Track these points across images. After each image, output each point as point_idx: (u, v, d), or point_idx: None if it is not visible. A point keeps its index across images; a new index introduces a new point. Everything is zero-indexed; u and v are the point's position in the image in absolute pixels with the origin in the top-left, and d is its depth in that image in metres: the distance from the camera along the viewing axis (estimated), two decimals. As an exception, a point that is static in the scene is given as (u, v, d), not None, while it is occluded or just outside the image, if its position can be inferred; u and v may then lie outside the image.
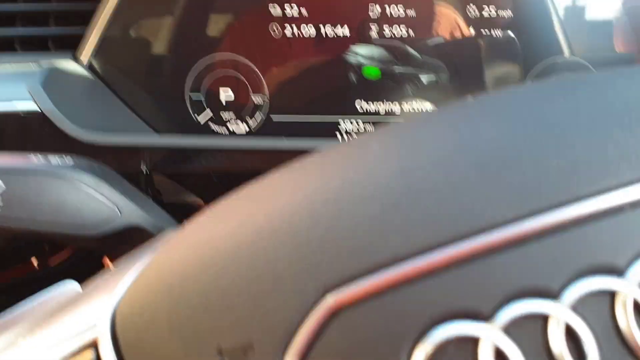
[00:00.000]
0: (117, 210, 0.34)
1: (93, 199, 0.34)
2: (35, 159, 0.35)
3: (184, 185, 0.49)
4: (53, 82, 0.46)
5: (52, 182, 0.33)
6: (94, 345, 0.22)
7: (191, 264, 0.20)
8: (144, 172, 0.46)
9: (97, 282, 0.26)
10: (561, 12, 0.51)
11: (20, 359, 0.22)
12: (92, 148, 0.45)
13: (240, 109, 0.54)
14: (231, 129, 0.54)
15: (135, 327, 0.21)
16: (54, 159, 0.35)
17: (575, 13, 0.51)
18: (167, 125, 0.53)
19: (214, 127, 0.54)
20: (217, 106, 0.54)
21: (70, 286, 0.29)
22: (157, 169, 0.47)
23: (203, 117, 0.54)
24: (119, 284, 0.23)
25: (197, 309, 0.19)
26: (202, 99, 0.53)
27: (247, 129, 0.54)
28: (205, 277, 0.19)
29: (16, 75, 0.47)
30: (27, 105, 0.45)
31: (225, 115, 0.54)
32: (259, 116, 0.54)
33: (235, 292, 0.18)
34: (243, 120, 0.54)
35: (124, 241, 0.34)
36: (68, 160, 0.35)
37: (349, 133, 0.54)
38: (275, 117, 0.54)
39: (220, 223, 0.22)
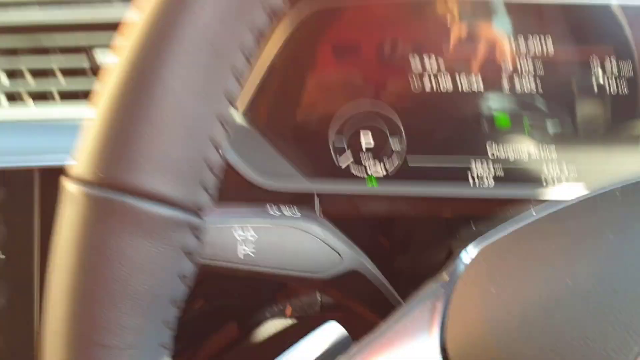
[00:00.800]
0: (339, 256, 0.38)
1: (322, 246, 0.38)
2: (271, 211, 0.40)
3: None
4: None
5: (291, 231, 0.38)
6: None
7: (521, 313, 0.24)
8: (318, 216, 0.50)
9: (394, 324, 0.30)
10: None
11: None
12: (266, 193, 0.50)
13: (379, 152, 0.58)
14: (369, 172, 0.58)
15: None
16: (286, 210, 0.40)
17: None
18: (311, 170, 0.58)
19: (354, 170, 0.58)
20: (357, 150, 0.58)
21: (335, 328, 0.33)
22: (327, 213, 0.52)
23: (344, 161, 0.58)
24: (434, 324, 0.27)
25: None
26: (344, 144, 0.58)
27: (385, 172, 0.58)
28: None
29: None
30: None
31: (365, 158, 0.58)
32: (395, 160, 0.58)
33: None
34: (382, 166, 0.58)
35: (344, 284, 0.38)
36: (295, 211, 0.40)
37: (480, 176, 0.58)
38: (411, 161, 0.58)
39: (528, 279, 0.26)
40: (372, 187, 0.55)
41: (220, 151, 0.27)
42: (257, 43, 0.27)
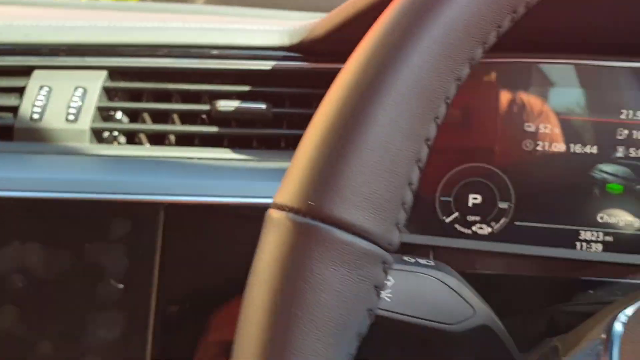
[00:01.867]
0: (472, 309, 0.38)
1: (456, 297, 0.38)
2: (406, 257, 0.40)
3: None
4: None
5: (426, 279, 0.38)
6: None
7: None
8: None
9: None
10: None
11: None
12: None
13: (487, 213, 0.58)
14: (475, 231, 0.58)
15: None
16: (422, 261, 0.40)
17: None
18: (417, 225, 0.58)
19: (459, 227, 0.58)
20: (464, 209, 0.58)
21: None
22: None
23: (450, 218, 0.58)
24: None
25: None
26: (451, 201, 0.58)
27: (490, 231, 0.58)
28: None
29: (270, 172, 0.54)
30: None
31: (471, 218, 0.58)
32: (503, 221, 0.58)
33: None
34: (488, 224, 0.58)
35: (476, 339, 0.37)
36: (430, 262, 0.40)
37: (588, 242, 0.57)
38: (519, 223, 0.58)
39: None
40: (483, 243, 0.54)
41: (414, 192, 0.28)
42: (456, 92, 0.28)
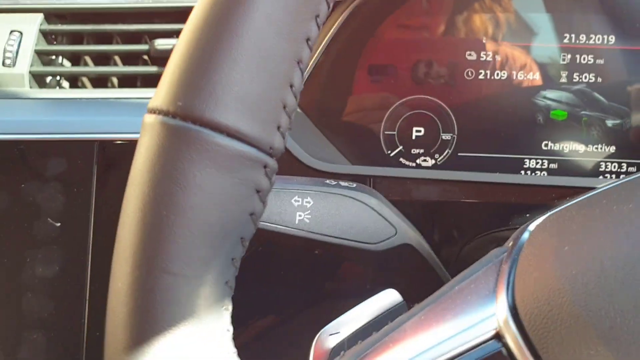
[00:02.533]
0: (394, 228, 0.38)
1: (377, 218, 0.38)
2: (327, 181, 0.40)
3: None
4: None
5: (347, 201, 0.37)
6: (496, 335, 0.25)
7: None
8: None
9: (457, 285, 0.29)
10: None
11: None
12: (320, 175, 0.50)
13: (430, 145, 0.58)
14: (419, 163, 0.58)
15: (543, 315, 0.24)
16: (344, 183, 0.40)
17: None
18: (362, 160, 0.58)
19: (403, 160, 0.58)
20: (408, 142, 0.58)
21: (392, 296, 0.32)
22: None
23: (394, 152, 0.58)
24: (501, 285, 0.27)
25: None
26: (395, 135, 0.58)
27: (434, 163, 0.58)
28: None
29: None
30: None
31: (415, 150, 0.58)
32: (446, 153, 0.58)
33: None
34: (432, 156, 0.58)
35: (397, 257, 0.38)
36: (351, 184, 0.40)
37: (533, 170, 0.57)
38: (462, 154, 0.57)
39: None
40: (424, 171, 0.54)
41: (297, 96, 0.27)
42: None
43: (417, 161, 0.58)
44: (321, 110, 0.58)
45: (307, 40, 0.27)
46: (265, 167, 0.27)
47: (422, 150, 0.58)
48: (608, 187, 0.30)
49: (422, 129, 0.58)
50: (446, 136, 0.57)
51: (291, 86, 0.27)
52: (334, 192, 0.38)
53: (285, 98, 0.27)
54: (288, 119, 0.27)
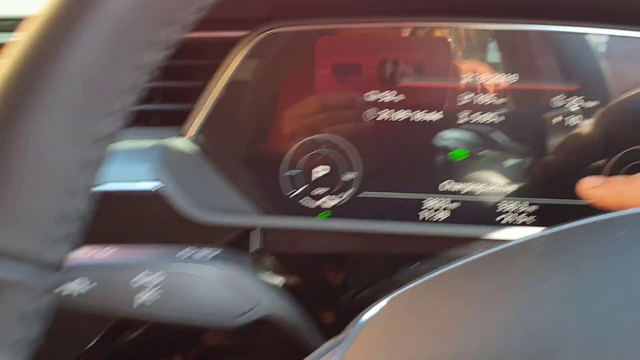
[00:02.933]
0: (254, 302, 0.37)
1: (234, 291, 0.36)
2: (181, 252, 0.38)
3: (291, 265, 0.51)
4: (170, 160, 0.50)
5: (198, 278, 0.36)
6: None
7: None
8: (252, 252, 0.49)
9: None
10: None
11: None
12: (203, 227, 0.48)
13: (333, 185, 0.57)
14: (321, 203, 0.57)
15: None
16: (206, 251, 0.38)
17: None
18: (265, 200, 0.57)
19: (305, 202, 0.57)
20: (310, 182, 0.57)
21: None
22: (265, 249, 0.50)
23: (297, 192, 0.57)
24: None
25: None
26: (297, 175, 0.57)
27: (337, 203, 0.57)
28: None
29: (135, 153, 0.51)
30: (145, 185, 0.48)
31: (318, 190, 0.57)
32: (350, 192, 0.57)
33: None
34: (333, 196, 0.57)
35: (258, 333, 0.36)
36: (209, 252, 0.38)
37: (434, 210, 0.57)
38: (365, 194, 0.57)
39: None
40: (317, 222, 0.53)
41: (84, 201, 0.25)
42: (148, 76, 0.25)
43: (320, 201, 0.57)
44: (221, 149, 0.56)
45: (96, 141, 0.25)
46: (27, 289, 0.24)
47: (324, 190, 0.57)
48: (458, 264, 0.30)
49: (324, 169, 0.57)
50: (348, 176, 0.57)
51: (72, 194, 0.24)
52: (182, 270, 0.36)
53: (63, 208, 0.24)
54: (70, 229, 0.25)
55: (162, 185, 0.48)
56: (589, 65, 0.54)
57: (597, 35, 0.53)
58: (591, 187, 0.51)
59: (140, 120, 0.58)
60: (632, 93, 0.54)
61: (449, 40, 0.54)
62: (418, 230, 0.55)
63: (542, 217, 0.56)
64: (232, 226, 0.50)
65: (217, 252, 0.38)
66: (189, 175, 0.52)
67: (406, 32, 0.54)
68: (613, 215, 0.27)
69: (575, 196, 0.56)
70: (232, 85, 0.55)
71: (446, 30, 0.54)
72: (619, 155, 0.55)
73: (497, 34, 0.54)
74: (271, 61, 0.55)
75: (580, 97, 0.54)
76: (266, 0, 0.53)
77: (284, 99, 0.56)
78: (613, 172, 0.55)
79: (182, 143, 0.54)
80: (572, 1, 0.52)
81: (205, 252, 0.38)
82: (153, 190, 0.47)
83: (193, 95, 0.56)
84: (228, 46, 0.55)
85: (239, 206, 0.53)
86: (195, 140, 0.56)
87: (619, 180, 0.49)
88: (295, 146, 0.56)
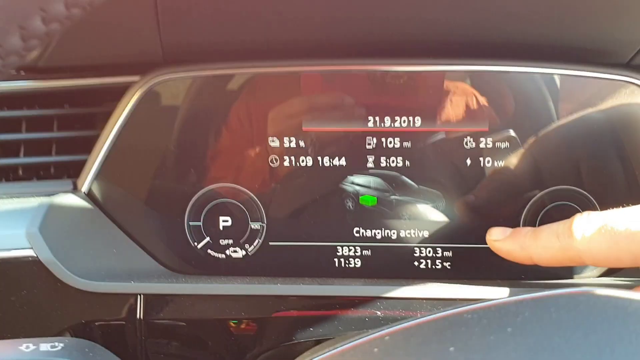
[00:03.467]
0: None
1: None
2: (24, 348, 0.35)
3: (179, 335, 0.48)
4: (51, 223, 0.47)
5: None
6: None
7: None
8: (139, 319, 0.46)
9: None
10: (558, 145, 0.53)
11: None
12: (88, 294, 0.45)
13: (239, 235, 0.54)
14: (228, 254, 0.54)
15: None
16: (44, 345, 0.35)
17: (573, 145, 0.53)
18: (167, 253, 0.53)
19: (211, 252, 0.54)
20: (215, 233, 0.54)
21: None
22: (151, 317, 0.47)
23: (201, 244, 0.54)
24: None
25: None
26: (201, 226, 0.54)
27: (244, 254, 0.54)
28: None
29: (13, 214, 0.47)
30: (24, 252, 0.45)
31: (223, 241, 0.54)
32: (257, 242, 0.54)
33: None
34: (242, 246, 0.54)
35: None
36: (59, 344, 0.35)
37: (347, 258, 0.54)
38: (274, 243, 0.54)
39: None
40: (201, 286, 0.48)
41: None
42: None
43: (227, 252, 0.54)
44: (117, 202, 0.53)
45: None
46: None
47: (231, 241, 0.54)
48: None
49: (229, 219, 0.54)
50: (255, 225, 0.54)
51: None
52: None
53: None
54: None
55: (38, 251, 0.44)
56: (498, 106, 0.52)
57: (505, 74, 0.52)
58: (497, 240, 0.49)
59: (33, 172, 0.54)
60: (543, 132, 0.52)
61: (352, 83, 0.52)
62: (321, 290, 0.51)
63: (457, 263, 0.54)
64: (118, 293, 0.46)
65: (65, 343, 0.34)
66: (74, 235, 0.48)
67: (309, 76, 0.52)
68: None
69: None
70: (125, 133, 0.52)
71: (350, 73, 0.51)
72: (535, 197, 0.53)
73: (400, 76, 0.51)
74: (166, 108, 0.52)
75: (489, 139, 0.52)
76: (158, 46, 0.50)
77: (183, 146, 0.53)
78: (530, 216, 0.53)
79: (72, 199, 0.51)
80: (476, 37, 0.50)
81: (52, 345, 0.34)
82: (29, 257, 0.44)
83: (89, 146, 0.53)
84: (117, 93, 0.52)
85: (131, 270, 0.49)
86: (88, 194, 0.52)
87: (525, 233, 0.47)
88: (197, 196, 0.53)
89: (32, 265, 0.44)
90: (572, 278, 0.54)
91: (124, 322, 0.45)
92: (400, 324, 0.27)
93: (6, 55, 0.24)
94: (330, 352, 0.29)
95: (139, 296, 0.46)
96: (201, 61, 0.51)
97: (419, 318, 0.26)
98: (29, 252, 0.44)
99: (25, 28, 0.23)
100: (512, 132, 0.52)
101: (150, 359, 0.46)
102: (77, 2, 0.24)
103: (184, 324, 0.47)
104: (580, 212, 0.53)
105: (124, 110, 0.51)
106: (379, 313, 0.47)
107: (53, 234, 0.45)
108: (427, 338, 0.25)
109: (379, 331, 0.28)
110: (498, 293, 0.50)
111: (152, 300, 0.47)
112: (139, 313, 0.46)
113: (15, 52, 0.24)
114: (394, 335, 0.27)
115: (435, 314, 0.27)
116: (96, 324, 0.45)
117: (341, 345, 0.28)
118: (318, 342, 0.47)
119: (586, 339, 0.22)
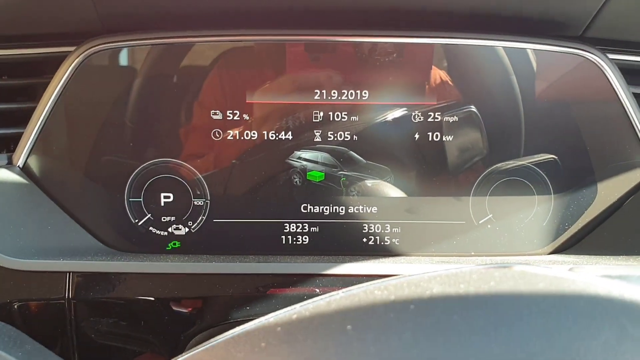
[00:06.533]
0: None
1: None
2: None
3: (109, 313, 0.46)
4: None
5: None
6: None
7: None
8: (67, 299, 0.44)
9: None
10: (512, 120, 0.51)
11: None
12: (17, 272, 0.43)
13: (182, 213, 0.52)
14: (171, 232, 0.53)
15: None
16: None
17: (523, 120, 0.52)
18: (106, 230, 0.52)
19: (153, 230, 0.52)
20: (157, 210, 0.52)
21: None
22: (81, 296, 0.45)
23: (143, 221, 0.52)
24: None
25: None
26: (142, 202, 0.52)
27: (187, 231, 0.53)
28: None
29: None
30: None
31: (165, 218, 0.52)
32: (200, 219, 0.52)
33: None
34: (184, 224, 0.52)
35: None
36: None
37: (294, 235, 0.53)
38: (218, 220, 0.52)
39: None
40: (133, 264, 0.47)
41: None
42: None
43: (169, 229, 0.53)
44: (54, 177, 0.51)
45: None
46: None
47: (173, 218, 0.52)
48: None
49: (172, 195, 0.52)
50: (198, 202, 0.52)
51: None
52: None
53: None
54: None
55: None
56: (449, 80, 0.51)
57: (456, 46, 0.50)
58: None
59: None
60: (496, 106, 0.51)
61: (299, 55, 0.50)
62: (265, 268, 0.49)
63: (406, 239, 0.53)
64: (47, 271, 0.44)
65: None
66: (5, 213, 0.46)
67: (253, 46, 0.50)
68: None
69: (437, 217, 0.53)
70: (62, 105, 0.49)
71: (299, 44, 0.49)
72: (485, 172, 0.52)
73: (350, 47, 0.50)
74: (104, 79, 0.50)
75: (438, 113, 0.51)
76: (94, 14, 0.47)
77: (122, 119, 0.51)
78: (480, 191, 0.52)
79: (5, 174, 0.48)
80: (428, 8, 0.48)
81: None
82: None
83: (25, 119, 0.51)
84: (57, 63, 0.49)
85: (69, 247, 0.47)
86: (24, 168, 0.50)
87: None
88: (137, 171, 0.51)
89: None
90: (521, 254, 0.53)
91: (52, 302, 0.44)
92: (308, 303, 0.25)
93: None
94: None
95: (68, 274, 0.44)
96: (140, 30, 0.49)
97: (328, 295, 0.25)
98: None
99: None
100: (461, 106, 0.51)
101: (80, 340, 0.45)
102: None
103: (116, 302, 0.45)
104: (532, 191, 0.52)
105: (59, 81, 0.49)
106: (317, 290, 0.46)
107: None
108: (333, 316, 0.24)
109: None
110: (442, 267, 0.49)
111: (84, 279, 0.45)
112: (68, 292, 0.44)
113: None
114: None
115: (347, 290, 0.25)
116: (22, 303, 0.43)
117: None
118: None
119: (486, 317, 0.21)
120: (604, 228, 0.52)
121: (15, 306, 0.43)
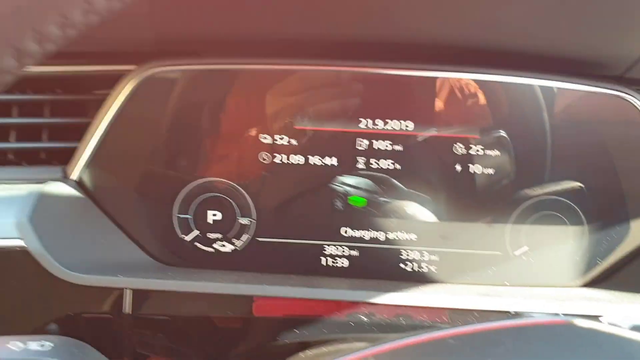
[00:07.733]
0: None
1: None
2: (13, 347, 0.35)
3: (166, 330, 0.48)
4: (41, 213, 0.47)
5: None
6: None
7: None
8: (125, 313, 0.46)
9: None
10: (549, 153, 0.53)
11: None
12: (74, 287, 0.45)
13: (227, 230, 0.54)
14: (217, 248, 0.55)
15: None
16: (33, 344, 0.35)
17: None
18: (155, 244, 0.54)
19: (200, 246, 0.54)
20: (204, 227, 0.54)
21: None
22: (140, 311, 0.47)
23: (190, 237, 0.54)
24: None
25: None
26: (190, 219, 0.54)
27: (233, 249, 0.54)
28: None
29: (2, 202, 0.47)
30: (13, 242, 0.45)
31: (212, 235, 0.54)
32: (245, 238, 0.54)
33: None
34: (229, 241, 0.54)
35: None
36: (48, 344, 0.35)
37: (334, 257, 0.55)
38: (262, 239, 0.54)
39: None
40: (186, 284, 0.49)
41: None
42: None
43: (215, 246, 0.55)
44: (107, 192, 0.53)
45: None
46: None
47: (219, 235, 0.54)
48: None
49: (219, 213, 0.54)
50: (244, 221, 0.54)
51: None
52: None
53: None
54: None
55: (28, 242, 0.44)
56: (491, 114, 0.53)
57: (500, 84, 0.52)
58: None
59: (23, 158, 0.54)
60: (535, 142, 0.53)
61: (347, 84, 0.52)
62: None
63: (443, 266, 0.54)
64: (106, 287, 0.46)
65: (54, 342, 0.35)
66: (64, 225, 0.49)
67: (304, 74, 0.52)
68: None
69: (474, 246, 0.54)
70: (118, 122, 0.51)
71: (347, 74, 0.51)
72: (522, 205, 0.54)
73: (395, 79, 0.51)
74: (160, 98, 0.52)
75: (480, 146, 0.52)
76: (152, 36, 0.49)
77: (176, 138, 0.53)
78: (517, 223, 0.54)
79: (62, 187, 0.51)
80: (473, 46, 0.50)
81: (41, 344, 0.34)
82: (17, 247, 0.44)
83: (80, 133, 0.53)
84: (109, 81, 0.52)
85: (120, 261, 0.49)
86: (79, 182, 0.52)
87: None
88: (187, 189, 0.54)
89: (21, 256, 0.44)
90: (554, 286, 0.55)
91: (110, 316, 0.46)
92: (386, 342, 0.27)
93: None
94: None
95: (125, 290, 0.46)
96: (196, 54, 0.51)
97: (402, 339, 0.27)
98: (18, 242, 0.44)
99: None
100: (503, 141, 0.53)
101: (136, 353, 0.47)
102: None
103: (169, 319, 0.47)
104: (566, 223, 0.53)
105: (118, 98, 0.51)
106: (364, 319, 0.48)
107: (42, 224, 0.45)
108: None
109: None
110: (481, 299, 0.50)
111: (140, 295, 0.47)
112: (126, 307, 0.46)
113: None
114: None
115: (418, 335, 0.27)
116: (83, 316, 0.46)
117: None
118: (302, 343, 0.47)
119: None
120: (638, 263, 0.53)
121: (75, 319, 0.45)
